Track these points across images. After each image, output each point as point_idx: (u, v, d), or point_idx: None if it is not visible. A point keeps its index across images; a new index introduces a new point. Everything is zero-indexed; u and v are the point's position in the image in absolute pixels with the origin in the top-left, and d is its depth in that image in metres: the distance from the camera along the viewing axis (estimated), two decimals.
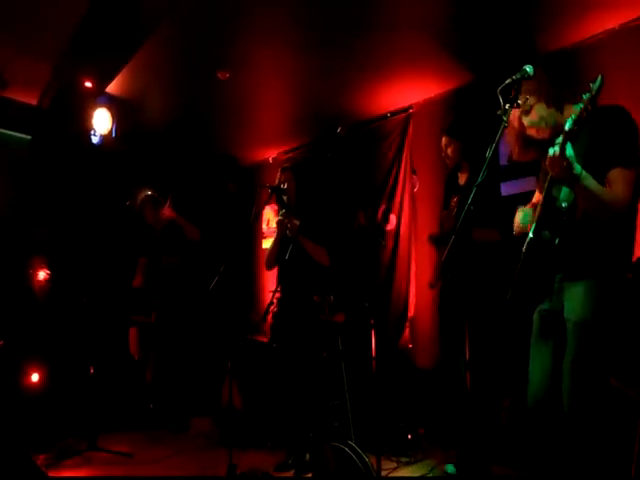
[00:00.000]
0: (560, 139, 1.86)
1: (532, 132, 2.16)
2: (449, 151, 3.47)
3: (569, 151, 1.84)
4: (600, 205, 1.92)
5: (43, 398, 4.10)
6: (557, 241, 1.98)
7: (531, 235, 2.02)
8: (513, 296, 2.09)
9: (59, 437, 3.97)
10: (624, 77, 3.25)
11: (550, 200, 2.02)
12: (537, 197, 2.38)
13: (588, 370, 1.98)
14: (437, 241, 3.80)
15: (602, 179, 1.94)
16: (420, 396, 4.03)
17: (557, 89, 2.14)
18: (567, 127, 1.85)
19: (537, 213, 2.08)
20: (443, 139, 3.51)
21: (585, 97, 1.84)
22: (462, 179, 3.50)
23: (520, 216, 2.26)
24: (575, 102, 1.88)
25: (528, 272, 2.08)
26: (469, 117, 3.90)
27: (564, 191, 1.99)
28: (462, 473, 3.13)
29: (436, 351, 4.20)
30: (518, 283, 2.08)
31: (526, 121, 2.16)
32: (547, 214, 2.03)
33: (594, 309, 1.98)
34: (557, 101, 2.13)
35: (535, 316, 2.23)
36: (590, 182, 1.88)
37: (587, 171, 1.89)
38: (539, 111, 2.13)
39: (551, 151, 1.88)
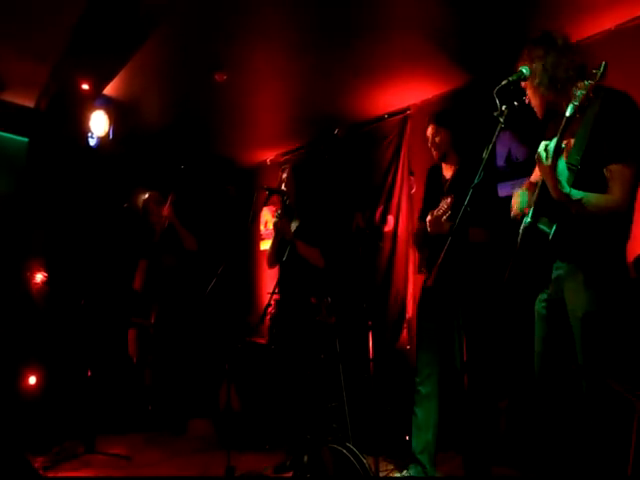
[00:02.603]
0: (553, 143, 1.84)
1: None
2: (437, 140, 3.21)
3: (560, 167, 1.82)
4: (594, 214, 1.90)
5: (40, 401, 4.09)
6: (554, 228, 1.91)
7: (529, 219, 2.00)
8: (510, 282, 2.07)
9: (56, 440, 3.96)
10: (620, 77, 3.25)
11: (547, 187, 1.96)
12: (535, 174, 2.32)
13: (601, 367, 1.96)
14: (421, 239, 3.35)
15: (602, 169, 1.92)
16: None
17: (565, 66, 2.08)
18: (568, 113, 1.83)
19: (534, 197, 2.04)
20: (429, 128, 3.25)
21: (587, 83, 1.81)
22: (448, 171, 3.25)
23: (518, 199, 2.23)
24: (577, 88, 1.85)
25: (525, 259, 2.06)
26: (465, 118, 3.87)
27: (562, 176, 1.87)
28: (463, 473, 3.13)
29: None
30: (515, 268, 2.06)
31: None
32: (544, 199, 1.98)
33: (598, 300, 1.95)
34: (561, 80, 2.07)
35: (537, 306, 2.22)
36: (582, 197, 1.85)
37: (587, 161, 1.86)
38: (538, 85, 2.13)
39: (543, 156, 1.85)
